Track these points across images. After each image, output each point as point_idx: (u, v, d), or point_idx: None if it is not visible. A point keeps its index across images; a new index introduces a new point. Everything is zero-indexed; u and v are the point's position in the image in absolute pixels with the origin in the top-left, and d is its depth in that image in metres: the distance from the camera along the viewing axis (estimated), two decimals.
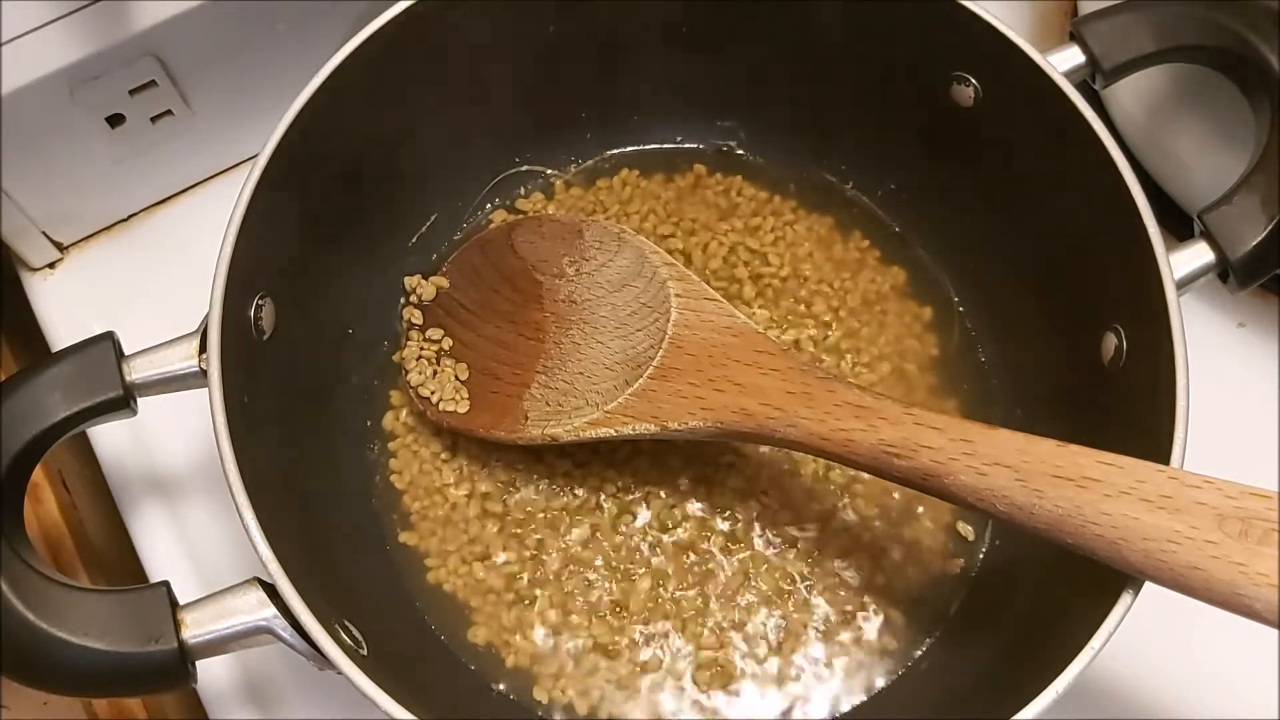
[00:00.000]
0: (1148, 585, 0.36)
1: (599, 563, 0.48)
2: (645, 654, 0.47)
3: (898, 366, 0.52)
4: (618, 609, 0.47)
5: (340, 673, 0.36)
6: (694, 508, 0.49)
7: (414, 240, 0.53)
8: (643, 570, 0.48)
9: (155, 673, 0.36)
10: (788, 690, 0.46)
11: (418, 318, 0.51)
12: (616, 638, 0.47)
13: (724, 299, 0.46)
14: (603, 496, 0.49)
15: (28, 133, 0.48)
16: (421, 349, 0.50)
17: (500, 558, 0.48)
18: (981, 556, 0.49)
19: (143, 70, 0.49)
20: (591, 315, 0.49)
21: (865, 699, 0.46)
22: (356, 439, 0.50)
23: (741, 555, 0.48)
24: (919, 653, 0.47)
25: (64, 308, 0.55)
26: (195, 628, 0.37)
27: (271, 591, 0.37)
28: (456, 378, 0.50)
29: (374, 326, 0.52)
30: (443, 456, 0.50)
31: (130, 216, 0.57)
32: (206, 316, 0.40)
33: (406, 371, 0.50)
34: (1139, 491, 0.35)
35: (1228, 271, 0.43)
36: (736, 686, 0.46)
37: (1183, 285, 0.42)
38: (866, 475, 0.48)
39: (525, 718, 0.46)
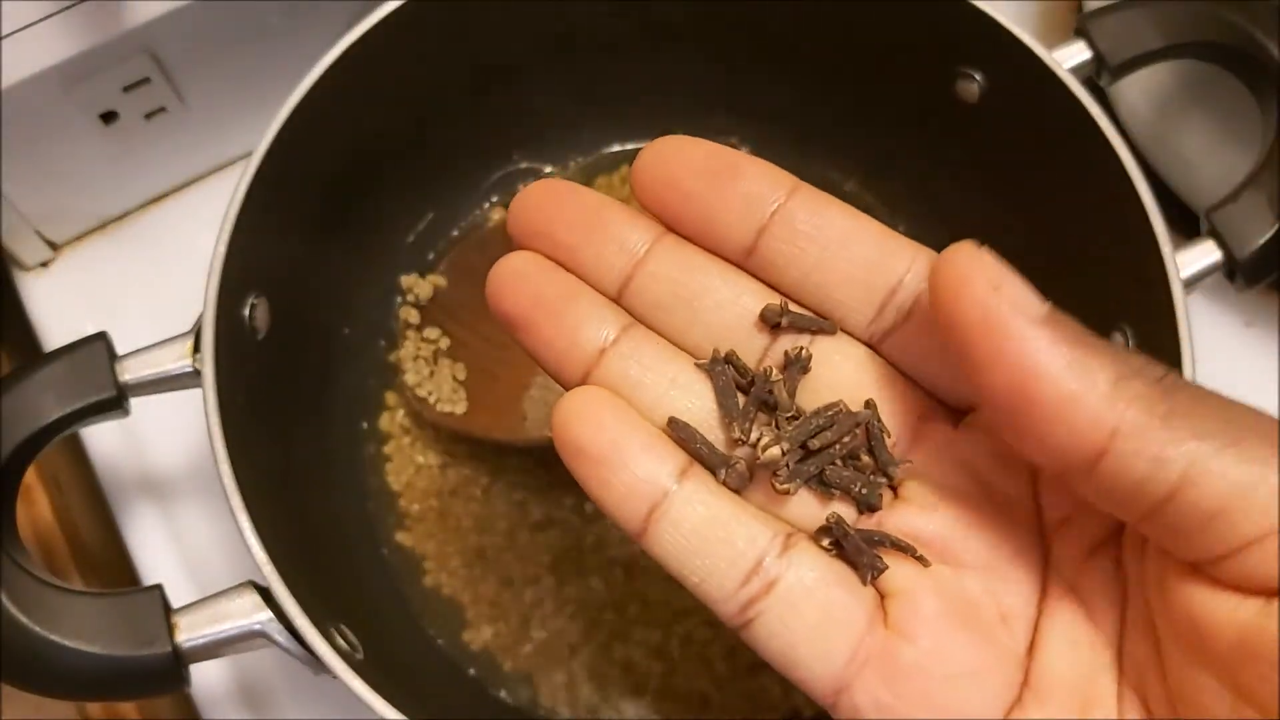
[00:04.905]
0: None
1: (599, 565, 0.48)
2: (645, 657, 0.46)
3: None
4: (618, 611, 0.47)
5: (336, 677, 0.36)
6: None
7: (411, 239, 0.53)
8: (643, 574, 0.47)
9: (148, 676, 0.36)
10: (788, 691, 0.46)
11: (415, 317, 0.51)
12: (616, 641, 0.46)
13: None
14: None
15: (20, 130, 0.48)
16: (418, 349, 0.50)
17: (499, 561, 0.48)
18: None
19: (137, 67, 0.49)
20: None
21: None
22: (352, 440, 0.50)
23: None
24: None
25: (57, 307, 0.54)
26: (189, 631, 0.36)
27: (266, 595, 0.37)
28: (454, 378, 0.49)
29: (370, 326, 0.51)
30: (440, 458, 0.50)
31: (124, 215, 0.56)
32: (200, 316, 0.40)
33: (403, 372, 0.50)
34: None
35: (1235, 270, 0.43)
36: (736, 688, 0.46)
37: (1189, 284, 0.41)
38: None
39: None
